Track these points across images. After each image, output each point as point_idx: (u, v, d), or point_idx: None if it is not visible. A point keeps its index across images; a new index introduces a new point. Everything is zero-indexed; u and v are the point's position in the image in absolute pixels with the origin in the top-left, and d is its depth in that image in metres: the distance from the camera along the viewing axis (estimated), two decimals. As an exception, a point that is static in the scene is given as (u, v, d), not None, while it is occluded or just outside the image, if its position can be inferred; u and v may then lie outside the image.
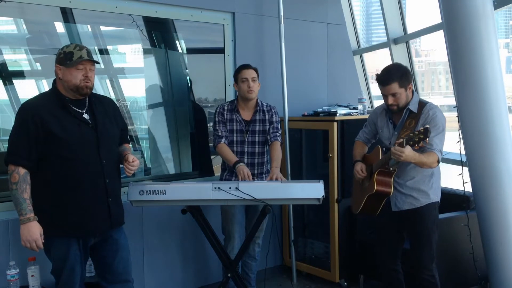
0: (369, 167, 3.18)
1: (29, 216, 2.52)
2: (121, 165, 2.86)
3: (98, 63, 2.80)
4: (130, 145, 3.11)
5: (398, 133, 3.05)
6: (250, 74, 3.56)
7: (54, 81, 2.70)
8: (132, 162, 2.77)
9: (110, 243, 2.79)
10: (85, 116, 2.68)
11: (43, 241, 2.57)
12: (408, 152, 2.76)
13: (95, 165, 2.66)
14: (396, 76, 2.98)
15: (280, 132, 3.66)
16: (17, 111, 2.66)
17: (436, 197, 3.11)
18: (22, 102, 5.17)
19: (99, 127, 2.69)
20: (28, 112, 2.59)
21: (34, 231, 2.52)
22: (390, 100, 3.01)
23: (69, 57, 2.60)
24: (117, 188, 2.81)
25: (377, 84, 3.08)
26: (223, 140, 3.55)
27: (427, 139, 2.72)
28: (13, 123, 2.65)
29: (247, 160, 3.59)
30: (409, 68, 3.57)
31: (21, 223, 2.52)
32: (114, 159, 2.81)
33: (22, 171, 2.54)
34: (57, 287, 2.71)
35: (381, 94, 3.09)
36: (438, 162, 2.95)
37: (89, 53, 2.64)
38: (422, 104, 3.04)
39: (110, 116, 2.81)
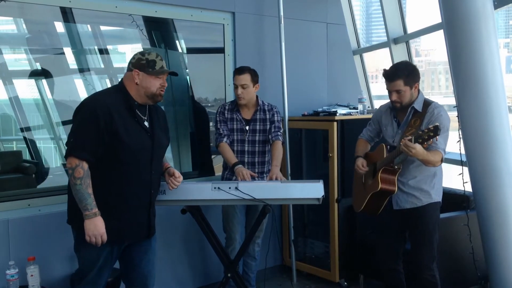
0: (372, 165, 3.18)
1: (95, 211, 2.48)
2: None
3: (177, 75, 2.88)
4: None
5: (402, 132, 3.06)
6: (240, 80, 3.53)
7: (122, 81, 2.68)
8: (178, 178, 2.82)
9: (140, 244, 2.75)
10: (146, 123, 2.67)
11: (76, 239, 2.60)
12: (418, 147, 2.77)
13: (145, 175, 2.65)
14: (403, 73, 2.99)
15: (281, 131, 3.66)
16: (83, 103, 2.59)
17: (437, 197, 3.12)
18: (22, 102, 5.22)
19: (155, 137, 2.68)
20: (100, 107, 2.51)
21: (100, 226, 2.49)
22: (394, 97, 3.03)
23: (151, 65, 2.62)
24: (155, 199, 2.80)
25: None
26: (224, 139, 3.56)
27: (436, 137, 2.74)
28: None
29: (247, 159, 3.60)
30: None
31: (86, 218, 2.47)
32: (160, 171, 2.82)
33: (86, 165, 2.47)
34: (81, 283, 2.65)
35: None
36: (442, 161, 2.97)
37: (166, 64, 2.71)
38: (427, 103, 3.05)
39: (162, 126, 2.81)
